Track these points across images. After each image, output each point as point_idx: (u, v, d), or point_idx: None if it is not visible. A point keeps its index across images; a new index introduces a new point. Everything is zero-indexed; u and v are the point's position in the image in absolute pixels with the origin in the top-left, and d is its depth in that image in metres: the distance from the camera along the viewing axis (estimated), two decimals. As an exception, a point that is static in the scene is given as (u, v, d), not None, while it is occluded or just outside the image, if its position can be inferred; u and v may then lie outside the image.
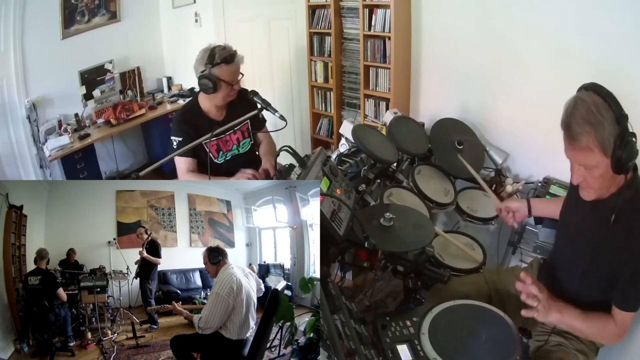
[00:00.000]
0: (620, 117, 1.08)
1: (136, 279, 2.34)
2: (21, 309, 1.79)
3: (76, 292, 2.02)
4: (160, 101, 4.36)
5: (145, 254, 2.32)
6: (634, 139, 1.09)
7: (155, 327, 2.25)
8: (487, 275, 1.68)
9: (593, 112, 1.09)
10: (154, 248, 2.37)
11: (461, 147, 2.23)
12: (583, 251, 1.30)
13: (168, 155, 1.78)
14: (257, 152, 2.31)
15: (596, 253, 1.25)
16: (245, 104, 2.07)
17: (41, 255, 1.88)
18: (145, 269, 2.35)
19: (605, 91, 1.12)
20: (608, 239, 1.21)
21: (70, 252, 2.12)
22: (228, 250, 2.75)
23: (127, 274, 2.31)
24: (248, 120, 2.17)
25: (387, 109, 2.78)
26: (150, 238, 2.37)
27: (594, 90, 1.13)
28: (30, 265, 1.92)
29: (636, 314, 1.24)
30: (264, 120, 2.12)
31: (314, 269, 2.29)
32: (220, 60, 1.97)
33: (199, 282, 2.72)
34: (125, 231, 2.45)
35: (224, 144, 2.14)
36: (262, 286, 1.73)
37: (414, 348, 1.18)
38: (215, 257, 1.55)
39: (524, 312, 1.23)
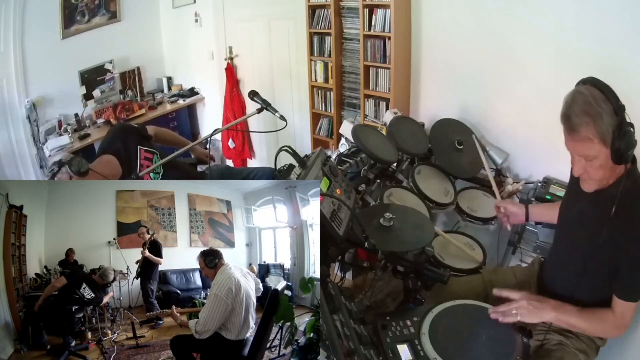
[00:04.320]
0: (618, 108, 1.10)
1: (137, 279, 2.33)
2: (26, 308, 1.79)
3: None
4: (160, 101, 4.37)
5: (147, 253, 2.31)
6: (632, 129, 1.10)
7: (161, 322, 2.25)
8: (484, 275, 1.68)
9: (591, 104, 1.10)
10: (155, 248, 2.36)
11: (461, 147, 2.23)
12: (583, 243, 1.31)
13: (168, 156, 1.78)
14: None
15: (596, 245, 1.25)
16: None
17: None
18: (147, 269, 2.34)
19: (603, 84, 1.13)
20: (608, 230, 1.21)
21: (69, 252, 2.11)
22: (228, 250, 2.77)
23: (127, 274, 2.31)
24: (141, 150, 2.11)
25: (387, 109, 2.78)
26: (151, 238, 2.36)
27: (591, 84, 1.15)
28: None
29: (637, 306, 1.24)
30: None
31: (314, 269, 2.29)
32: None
33: (199, 282, 2.72)
34: (125, 231, 2.45)
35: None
36: (261, 285, 1.72)
37: (414, 348, 1.18)
38: (212, 260, 1.52)
39: (500, 319, 1.24)
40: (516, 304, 1.26)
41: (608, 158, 1.13)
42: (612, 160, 1.13)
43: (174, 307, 1.72)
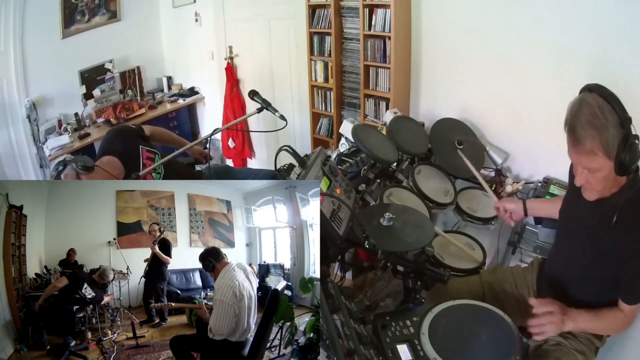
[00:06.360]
0: (624, 120, 1.08)
1: (144, 277, 2.31)
2: (26, 308, 1.79)
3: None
4: (160, 101, 4.37)
5: (157, 249, 2.30)
6: (637, 142, 1.09)
7: (164, 322, 2.25)
8: (482, 275, 1.68)
9: (597, 116, 1.08)
10: (165, 246, 2.35)
11: (461, 147, 2.22)
12: (583, 250, 1.30)
13: (168, 155, 1.78)
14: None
15: (597, 252, 1.25)
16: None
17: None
18: (157, 268, 2.32)
19: (609, 93, 1.11)
20: (609, 238, 1.21)
21: (71, 252, 2.11)
22: (228, 250, 2.76)
23: (127, 274, 2.31)
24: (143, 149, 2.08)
25: (387, 108, 2.78)
26: (161, 236, 2.35)
27: (598, 92, 1.12)
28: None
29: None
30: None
31: (314, 269, 2.29)
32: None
33: (199, 282, 2.72)
34: (125, 231, 2.44)
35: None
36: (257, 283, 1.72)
37: (414, 348, 1.18)
38: (209, 264, 1.51)
39: (536, 337, 1.23)
40: (545, 319, 1.24)
41: (611, 170, 1.12)
42: (616, 172, 1.12)
43: (202, 301, 1.69)
